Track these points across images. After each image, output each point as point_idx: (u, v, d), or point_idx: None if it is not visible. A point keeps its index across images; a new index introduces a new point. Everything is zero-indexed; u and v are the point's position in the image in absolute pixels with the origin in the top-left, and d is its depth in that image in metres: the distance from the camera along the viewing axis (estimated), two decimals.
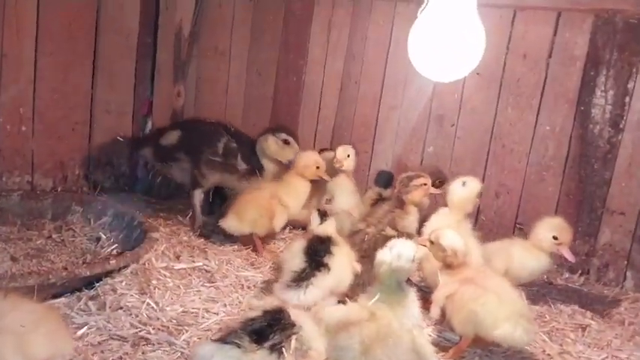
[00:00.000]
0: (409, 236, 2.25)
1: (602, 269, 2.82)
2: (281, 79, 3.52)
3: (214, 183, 2.87)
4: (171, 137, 2.89)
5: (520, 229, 2.91)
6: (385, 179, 2.87)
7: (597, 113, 2.76)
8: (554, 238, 2.30)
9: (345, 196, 2.72)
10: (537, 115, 2.88)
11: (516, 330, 1.78)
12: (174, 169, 2.94)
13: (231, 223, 2.50)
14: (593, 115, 2.77)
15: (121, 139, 3.27)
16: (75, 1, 3.06)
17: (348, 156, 2.81)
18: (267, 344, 1.49)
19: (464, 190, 2.42)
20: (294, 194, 2.61)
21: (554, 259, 2.39)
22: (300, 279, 1.94)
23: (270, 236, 2.71)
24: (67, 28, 3.06)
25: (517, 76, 2.90)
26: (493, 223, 3.00)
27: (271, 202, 2.53)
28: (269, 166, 2.86)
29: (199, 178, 2.82)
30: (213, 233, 2.75)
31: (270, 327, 1.53)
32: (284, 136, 2.84)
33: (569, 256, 2.30)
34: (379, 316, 1.61)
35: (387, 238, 2.17)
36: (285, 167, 2.83)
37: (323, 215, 2.22)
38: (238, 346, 1.47)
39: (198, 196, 2.84)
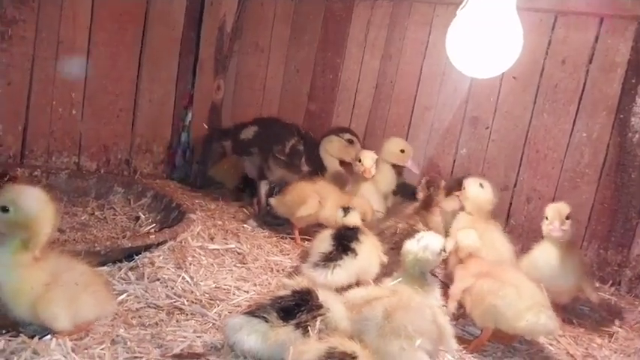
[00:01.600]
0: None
1: (634, 281, 2.76)
2: (318, 76, 3.60)
3: (279, 178, 2.98)
4: (249, 132, 3.04)
5: None
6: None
7: (637, 122, 2.72)
8: (546, 218, 2.18)
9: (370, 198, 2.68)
10: (574, 122, 2.86)
11: (540, 318, 1.77)
12: (248, 162, 3.10)
13: (275, 202, 2.68)
14: (633, 123, 2.73)
15: (206, 127, 3.48)
16: None
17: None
18: (293, 322, 1.55)
19: (484, 191, 2.45)
20: (328, 200, 2.61)
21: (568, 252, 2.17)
22: (328, 260, 2.02)
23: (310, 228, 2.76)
24: (118, 20, 3.22)
25: (555, 82, 2.89)
26: (523, 227, 2.98)
27: (310, 194, 2.58)
28: (331, 166, 2.94)
29: (266, 171, 2.98)
30: (249, 218, 2.88)
31: (298, 306, 1.59)
32: (348, 135, 2.94)
33: (555, 232, 2.11)
34: (401, 291, 1.66)
35: (418, 232, 2.24)
36: (348, 167, 2.90)
37: (346, 210, 2.29)
38: (266, 320, 1.54)
39: (264, 186, 2.99)
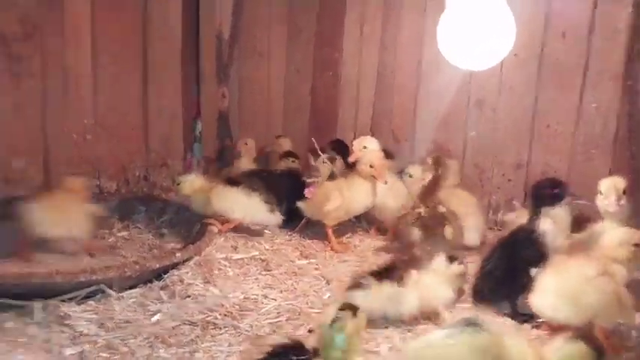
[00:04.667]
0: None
1: None
2: (318, 74, 3.59)
3: None
4: None
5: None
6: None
7: None
8: (600, 193, 2.07)
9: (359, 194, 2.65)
10: (581, 93, 2.85)
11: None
12: None
13: (303, 205, 2.72)
14: None
15: None
16: (123, 14, 3.27)
17: (365, 147, 2.71)
18: None
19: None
20: (351, 190, 2.63)
21: None
22: None
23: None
24: (119, 41, 3.27)
25: (557, 55, 2.87)
26: None
27: (332, 191, 2.62)
28: None
29: None
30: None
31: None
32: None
33: (611, 206, 2.03)
34: None
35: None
36: None
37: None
38: None
39: None
